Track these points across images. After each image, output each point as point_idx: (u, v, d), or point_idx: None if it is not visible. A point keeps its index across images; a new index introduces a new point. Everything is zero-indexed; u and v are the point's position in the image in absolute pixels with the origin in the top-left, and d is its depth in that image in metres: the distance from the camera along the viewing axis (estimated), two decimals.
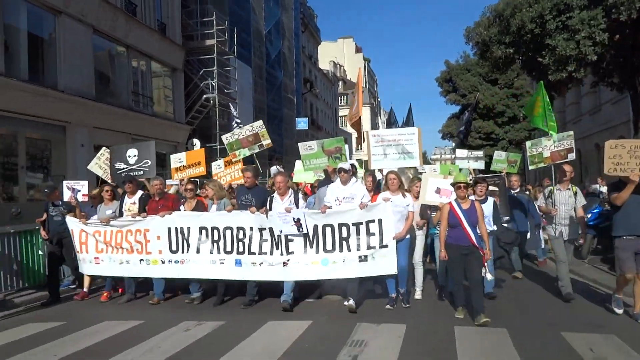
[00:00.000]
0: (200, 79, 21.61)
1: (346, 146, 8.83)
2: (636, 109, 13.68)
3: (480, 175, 11.33)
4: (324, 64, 57.26)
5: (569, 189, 7.03)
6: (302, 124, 35.01)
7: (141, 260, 7.42)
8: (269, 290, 7.20)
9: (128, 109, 16.62)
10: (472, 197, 6.91)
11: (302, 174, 10.24)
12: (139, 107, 17.63)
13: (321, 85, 50.54)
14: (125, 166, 8.75)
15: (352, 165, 7.31)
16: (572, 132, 8.24)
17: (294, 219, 6.58)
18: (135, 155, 8.71)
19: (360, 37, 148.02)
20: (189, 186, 7.71)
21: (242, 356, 4.93)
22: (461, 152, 12.96)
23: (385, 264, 6.49)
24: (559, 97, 20.34)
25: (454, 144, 38.17)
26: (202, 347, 5.28)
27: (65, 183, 8.59)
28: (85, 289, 8.03)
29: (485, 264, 5.96)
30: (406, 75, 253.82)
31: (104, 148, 9.56)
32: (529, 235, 9.44)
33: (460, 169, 11.61)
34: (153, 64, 18.80)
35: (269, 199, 6.98)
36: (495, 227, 7.20)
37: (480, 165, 12.68)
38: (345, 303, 6.53)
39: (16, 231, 8.05)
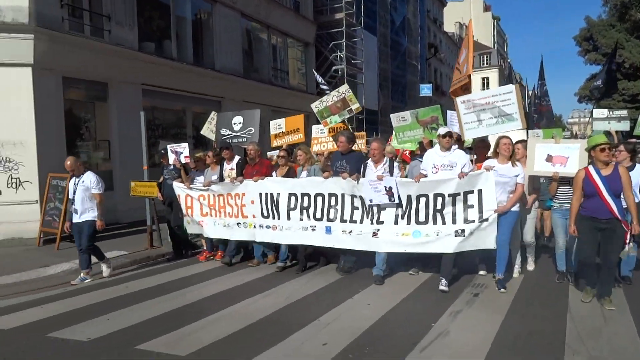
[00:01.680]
0: (330, 51, 23.02)
1: (449, 114, 8.45)
2: None
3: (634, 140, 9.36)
4: (450, 26, 55.43)
5: None
6: (425, 90, 34.91)
7: (239, 223, 7.62)
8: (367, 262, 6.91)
9: (269, 83, 18.64)
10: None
11: (406, 145, 9.46)
12: (278, 80, 19.60)
13: (446, 49, 49.31)
14: (230, 132, 8.92)
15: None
16: None
17: (385, 187, 6.22)
18: (240, 123, 8.87)
19: None
20: (281, 153, 7.73)
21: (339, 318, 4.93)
22: (600, 112, 11.27)
23: (483, 237, 5.92)
24: None
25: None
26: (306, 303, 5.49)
27: (169, 147, 8.58)
28: (205, 248, 8.39)
29: (628, 241, 5.04)
30: (539, 33, 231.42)
31: (213, 112, 9.83)
32: None
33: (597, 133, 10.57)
34: (289, 40, 20.58)
35: (362, 165, 6.68)
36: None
37: (625, 126, 11.01)
38: (440, 287, 5.92)
39: None
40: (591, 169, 5.13)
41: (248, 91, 16.79)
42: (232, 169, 7.94)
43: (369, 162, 6.60)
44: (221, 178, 7.94)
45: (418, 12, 37.50)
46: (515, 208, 5.94)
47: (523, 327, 4.64)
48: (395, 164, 6.76)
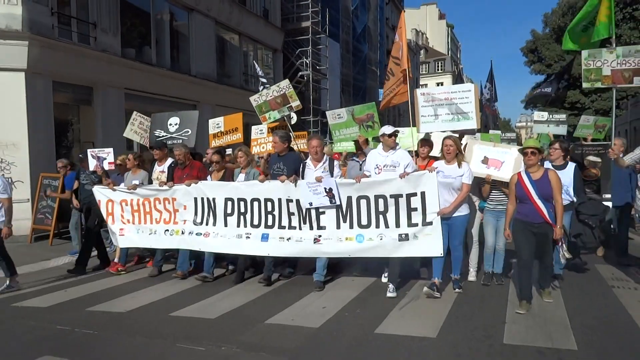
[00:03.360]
0: (296, 57, 24.08)
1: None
2: None
3: (588, 143, 9.56)
4: (407, 32, 57.58)
5: None
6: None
7: (166, 230, 7.04)
8: (303, 266, 6.88)
9: (240, 87, 19.48)
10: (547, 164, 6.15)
11: (344, 143, 9.10)
12: (248, 85, 20.46)
13: None
14: (164, 134, 8.48)
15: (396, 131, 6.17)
16: None
17: (325, 188, 5.89)
18: (176, 124, 8.47)
19: (443, 3, 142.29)
20: (214, 157, 7.03)
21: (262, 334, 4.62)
22: (540, 115, 11.44)
23: (429, 244, 5.67)
24: None
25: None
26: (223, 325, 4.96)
27: (89, 151, 7.97)
28: (116, 260, 7.62)
29: (560, 243, 5.12)
30: (490, 40, 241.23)
31: (135, 112, 9.14)
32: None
33: (538, 135, 11.09)
34: (258, 47, 21.49)
35: (302, 165, 6.35)
36: (574, 199, 6.14)
37: (562, 130, 11.27)
38: (388, 294, 5.73)
39: None
40: (523, 173, 5.15)
41: (221, 95, 17.58)
42: (162, 172, 7.38)
43: (308, 161, 6.32)
44: (150, 181, 7.41)
45: (378, 20, 39.14)
46: (464, 211, 5.79)
47: (465, 324, 4.80)
48: (336, 162, 6.48)
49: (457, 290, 5.83)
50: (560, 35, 15.35)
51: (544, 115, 11.45)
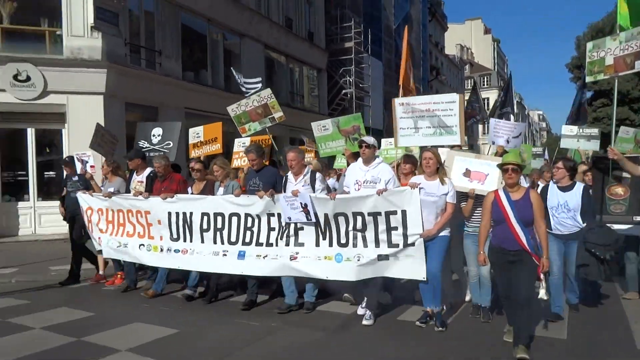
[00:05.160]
0: (340, 76, 25.35)
1: (492, 122, 7.46)
2: None
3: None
4: (451, 48, 58.02)
5: None
6: None
7: (141, 245, 6.66)
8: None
9: (286, 105, 20.85)
10: (539, 184, 6.09)
11: (343, 160, 8.30)
12: (294, 103, 21.86)
13: (447, 71, 51.74)
14: (147, 145, 8.24)
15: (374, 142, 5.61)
16: None
17: (301, 203, 5.49)
18: (159, 135, 8.23)
19: (489, 18, 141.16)
20: (197, 166, 6.70)
21: None
22: (568, 129, 10.32)
23: (411, 266, 5.14)
24: None
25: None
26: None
27: (75, 155, 7.78)
28: (100, 272, 7.54)
29: (542, 277, 4.38)
30: (538, 54, 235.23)
31: (97, 123, 8.55)
32: None
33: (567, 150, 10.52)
34: (304, 67, 22.92)
35: (283, 179, 5.99)
36: (583, 224, 5.38)
37: (594, 145, 10.12)
38: (364, 321, 5.27)
39: None
40: (501, 192, 4.51)
41: None
42: (140, 182, 7.04)
43: (289, 174, 5.95)
44: (128, 191, 7.07)
45: (421, 37, 39.96)
46: (445, 232, 5.16)
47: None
48: (318, 175, 5.96)
49: (438, 329, 5.06)
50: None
51: (573, 129, 10.33)
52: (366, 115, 25.45)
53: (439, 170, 5.17)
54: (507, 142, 6.84)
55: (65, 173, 8.08)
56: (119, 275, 7.37)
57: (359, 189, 5.44)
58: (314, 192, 5.65)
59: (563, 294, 5.53)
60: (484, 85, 69.51)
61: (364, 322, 5.27)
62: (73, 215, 7.49)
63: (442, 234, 5.15)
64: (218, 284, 6.41)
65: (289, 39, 20.86)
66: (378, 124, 28.64)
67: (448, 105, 6.00)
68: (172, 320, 5.43)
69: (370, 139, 5.48)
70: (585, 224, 5.40)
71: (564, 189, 5.48)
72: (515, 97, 77.39)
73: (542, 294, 4.45)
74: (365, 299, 5.50)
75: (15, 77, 11.33)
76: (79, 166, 7.63)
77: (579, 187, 5.48)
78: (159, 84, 13.74)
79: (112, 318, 5.56)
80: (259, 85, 9.14)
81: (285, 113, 8.52)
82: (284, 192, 5.80)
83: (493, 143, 6.67)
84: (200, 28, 16.36)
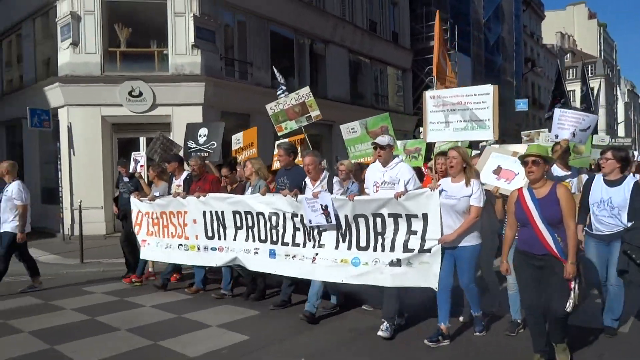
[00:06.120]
0: (426, 75, 25.26)
1: (557, 112, 6.36)
2: None
3: None
4: (551, 37, 54.68)
5: None
6: (521, 105, 35.48)
7: (180, 245, 6.92)
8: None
9: (371, 107, 21.35)
10: (570, 181, 5.26)
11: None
12: (378, 104, 22.27)
13: (544, 61, 48.92)
14: (195, 145, 8.31)
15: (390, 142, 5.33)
16: None
17: (321, 205, 5.42)
18: (205, 135, 8.26)
19: (594, 1, 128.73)
20: (224, 171, 7.13)
21: None
22: (600, 139, 9.46)
23: (425, 274, 4.83)
24: None
25: None
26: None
27: (133, 154, 8.10)
28: (149, 269, 7.81)
29: (573, 285, 3.81)
30: None
31: (159, 132, 9.22)
32: None
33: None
34: (388, 68, 23.24)
35: (303, 183, 5.95)
36: (628, 224, 4.59)
37: None
38: (379, 332, 4.88)
39: None
40: (525, 189, 4.08)
41: (354, 115, 19.47)
42: (179, 185, 7.25)
43: (307, 179, 5.90)
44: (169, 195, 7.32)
45: (513, 29, 38.29)
46: (474, 241, 4.67)
47: None
48: (336, 179, 5.87)
49: (477, 332, 4.84)
50: None
51: (605, 138, 9.79)
52: None
53: (466, 170, 4.67)
54: (573, 135, 5.83)
55: (119, 173, 8.40)
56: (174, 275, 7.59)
57: (377, 191, 5.23)
58: (327, 193, 5.58)
59: (622, 304, 4.74)
60: (589, 74, 64.44)
61: (379, 333, 4.87)
62: (125, 213, 7.82)
63: (470, 243, 4.65)
64: (267, 284, 6.58)
65: (373, 41, 21.30)
66: None
67: (481, 98, 5.52)
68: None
69: (384, 140, 5.18)
70: (629, 224, 4.56)
71: (612, 183, 4.68)
72: (627, 84, 71.36)
73: (569, 305, 3.80)
74: (383, 307, 5.12)
75: (130, 93, 13.04)
76: (132, 166, 7.96)
77: (629, 181, 4.65)
78: (251, 93, 14.90)
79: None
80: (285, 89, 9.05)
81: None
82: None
83: (556, 137, 5.85)
84: (288, 38, 17.39)
